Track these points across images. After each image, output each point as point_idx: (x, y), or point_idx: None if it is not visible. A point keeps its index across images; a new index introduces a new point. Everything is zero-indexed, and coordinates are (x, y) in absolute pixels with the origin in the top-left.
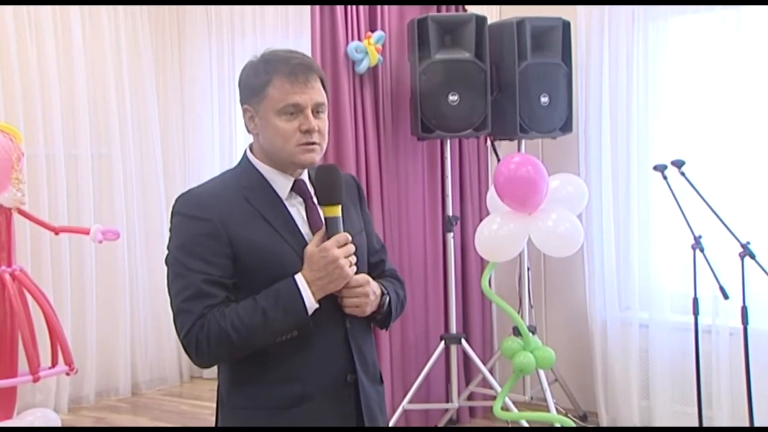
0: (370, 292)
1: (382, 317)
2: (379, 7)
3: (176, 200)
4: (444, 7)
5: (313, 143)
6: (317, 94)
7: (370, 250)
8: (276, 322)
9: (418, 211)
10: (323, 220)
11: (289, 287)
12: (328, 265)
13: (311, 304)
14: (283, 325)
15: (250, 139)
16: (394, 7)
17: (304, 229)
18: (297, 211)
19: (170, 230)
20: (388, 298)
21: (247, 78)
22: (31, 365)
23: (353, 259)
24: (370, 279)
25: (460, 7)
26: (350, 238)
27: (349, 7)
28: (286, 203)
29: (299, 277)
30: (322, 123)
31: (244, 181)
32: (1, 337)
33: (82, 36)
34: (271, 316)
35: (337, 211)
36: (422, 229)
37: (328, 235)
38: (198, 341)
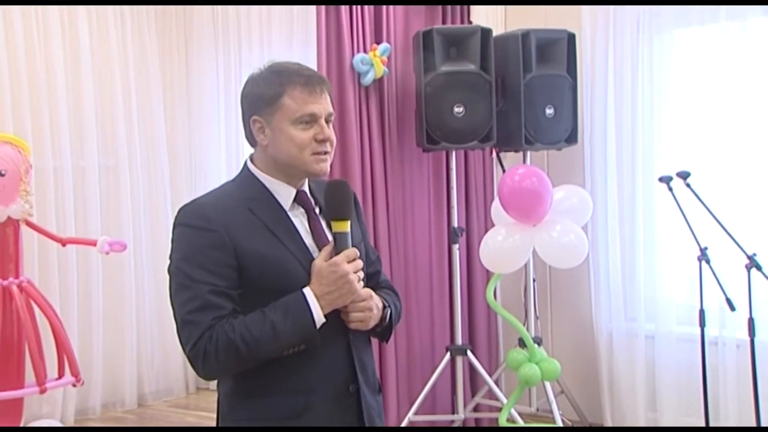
0: (374, 306)
1: (383, 330)
2: (384, 19)
3: (179, 211)
4: (449, 12)
5: (325, 153)
6: (329, 104)
7: (367, 261)
8: (284, 336)
9: (423, 222)
10: (332, 234)
11: (298, 301)
12: (338, 280)
13: (319, 318)
14: (291, 339)
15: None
16: (400, 19)
17: (307, 239)
18: (300, 221)
19: (173, 241)
20: (389, 311)
21: (257, 89)
22: (38, 376)
23: (361, 274)
24: (373, 293)
25: (465, 11)
26: (359, 253)
27: (354, 19)
28: (290, 214)
29: (308, 291)
30: (332, 133)
31: (247, 192)
32: (8, 348)
33: (90, 48)
34: (279, 330)
35: (346, 226)
36: (428, 240)
37: (336, 250)
38: (206, 353)
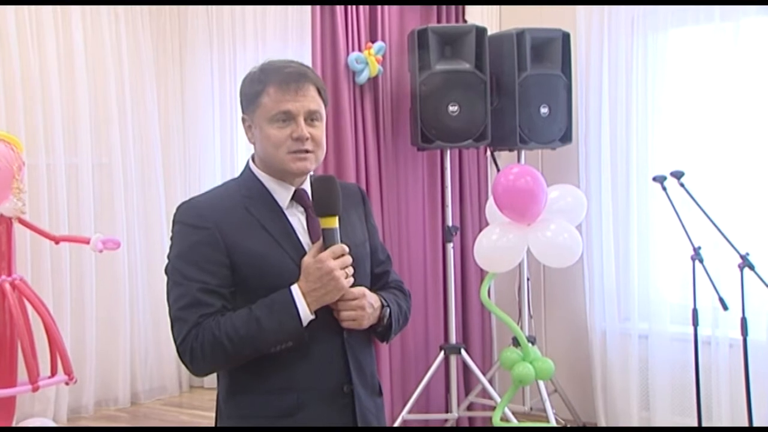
0: (366, 304)
1: (383, 330)
2: (379, 17)
3: (177, 209)
4: (444, 12)
5: (306, 151)
6: (310, 101)
7: (375, 261)
8: (270, 333)
9: (418, 221)
10: (320, 231)
11: (285, 298)
12: (323, 276)
13: (306, 315)
14: (277, 336)
15: (252, 148)
16: (395, 18)
17: (304, 238)
18: (298, 220)
19: (171, 239)
20: (388, 311)
21: (245, 88)
22: (31, 374)
23: (350, 270)
24: (367, 291)
25: (460, 11)
26: (347, 249)
27: (349, 17)
28: (287, 212)
29: (295, 288)
30: (317, 131)
31: (245, 191)
32: (0, 347)
33: (84, 46)
34: (265, 327)
35: (333, 222)
36: (422, 239)
37: (324, 247)
38: (192, 350)
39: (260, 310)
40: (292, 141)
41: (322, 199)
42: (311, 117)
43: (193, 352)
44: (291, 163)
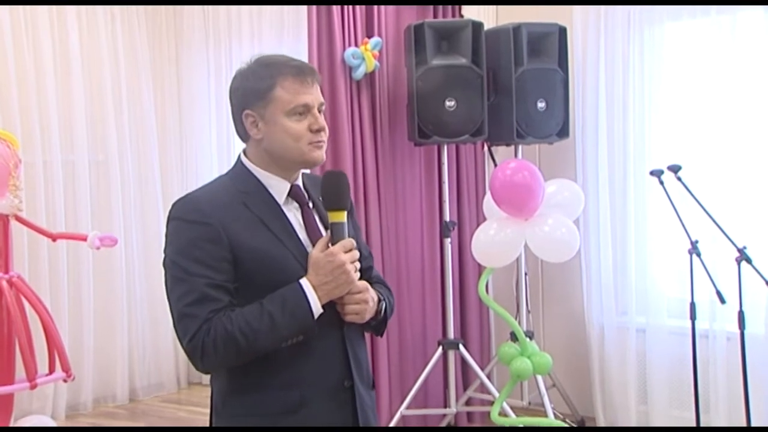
0: (369, 298)
1: (378, 324)
2: (375, 13)
3: (173, 205)
4: (440, 9)
5: (322, 141)
6: (320, 94)
7: (360, 256)
8: (283, 327)
9: (415, 216)
10: (329, 225)
11: (296, 292)
12: (335, 270)
13: (317, 308)
14: (289, 330)
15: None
16: (391, 13)
17: (301, 234)
18: (294, 216)
19: (167, 235)
20: (384, 305)
21: (248, 83)
22: (28, 372)
23: (357, 265)
24: (368, 285)
25: (457, 10)
26: (355, 244)
27: (345, 13)
28: (284, 208)
29: (305, 282)
30: (324, 122)
31: (241, 186)
32: None
33: (79, 43)
34: (278, 321)
35: (343, 216)
36: (419, 234)
37: (333, 241)
38: (204, 345)
39: (271, 305)
40: (312, 133)
41: (333, 194)
42: (320, 109)
43: (205, 348)
44: (312, 153)
